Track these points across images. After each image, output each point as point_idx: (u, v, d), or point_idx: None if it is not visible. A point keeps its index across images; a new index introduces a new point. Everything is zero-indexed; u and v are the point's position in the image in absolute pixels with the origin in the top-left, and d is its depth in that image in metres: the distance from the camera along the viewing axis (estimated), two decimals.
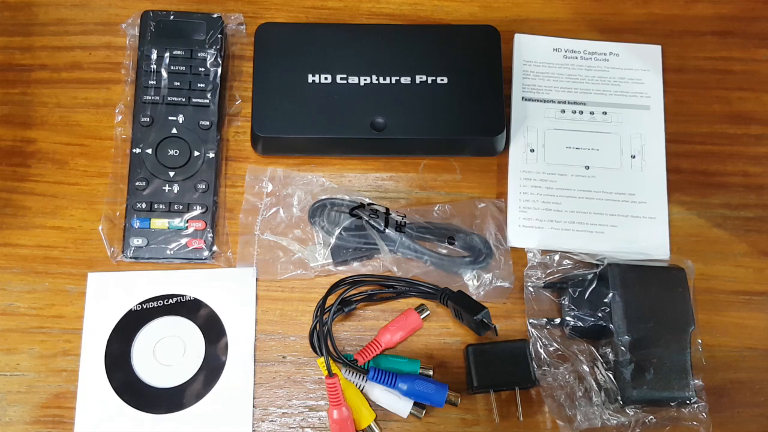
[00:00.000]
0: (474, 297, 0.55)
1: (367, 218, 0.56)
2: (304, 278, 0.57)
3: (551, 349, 0.55)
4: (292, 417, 0.54)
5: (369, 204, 0.57)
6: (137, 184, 0.57)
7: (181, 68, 0.58)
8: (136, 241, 0.56)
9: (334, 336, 0.55)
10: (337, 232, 0.56)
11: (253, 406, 0.54)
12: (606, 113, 0.61)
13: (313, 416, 0.54)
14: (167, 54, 0.59)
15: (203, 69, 0.59)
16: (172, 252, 0.56)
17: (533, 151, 0.60)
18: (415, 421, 0.54)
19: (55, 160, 0.59)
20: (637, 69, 0.62)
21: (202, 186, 0.57)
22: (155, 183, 0.57)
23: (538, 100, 0.61)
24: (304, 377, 0.55)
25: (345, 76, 0.59)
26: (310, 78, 0.58)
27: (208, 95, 0.58)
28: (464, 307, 0.54)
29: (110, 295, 0.56)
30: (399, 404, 0.53)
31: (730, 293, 0.58)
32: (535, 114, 0.61)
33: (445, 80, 0.59)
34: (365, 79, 0.59)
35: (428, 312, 0.56)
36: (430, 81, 0.59)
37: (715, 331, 0.57)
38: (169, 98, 0.58)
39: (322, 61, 0.59)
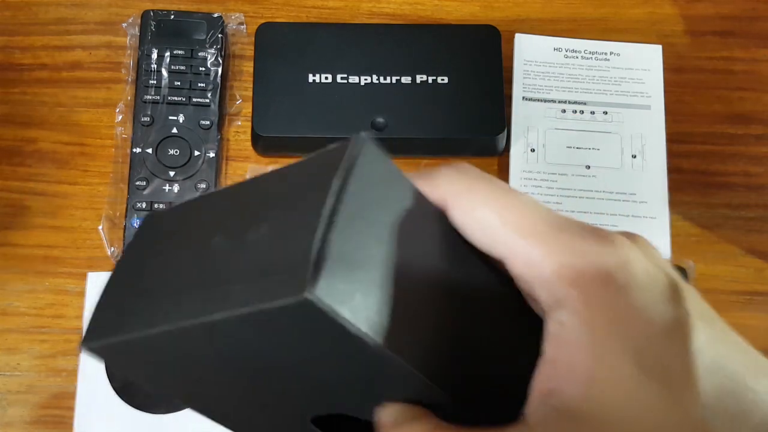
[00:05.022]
0: None
1: None
2: None
3: None
4: None
5: None
6: (137, 183, 0.57)
7: (182, 68, 0.58)
8: None
9: None
10: None
11: None
12: (607, 113, 0.61)
13: None
14: (168, 53, 0.58)
15: (204, 68, 0.59)
16: None
17: (534, 150, 0.60)
18: None
19: (55, 160, 0.59)
20: (638, 69, 0.62)
21: (203, 186, 0.57)
22: (155, 183, 0.57)
23: (538, 100, 0.61)
24: None
25: (345, 75, 0.58)
26: (311, 77, 0.58)
27: (209, 95, 0.58)
28: None
29: None
30: None
31: (731, 293, 0.58)
32: (536, 114, 0.61)
33: (446, 80, 0.59)
34: (366, 79, 0.59)
35: None
36: (430, 81, 0.59)
37: None
38: (169, 98, 0.58)
39: (322, 60, 0.59)
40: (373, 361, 0.20)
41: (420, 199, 0.22)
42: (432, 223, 0.22)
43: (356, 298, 0.19)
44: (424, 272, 0.21)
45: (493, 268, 0.23)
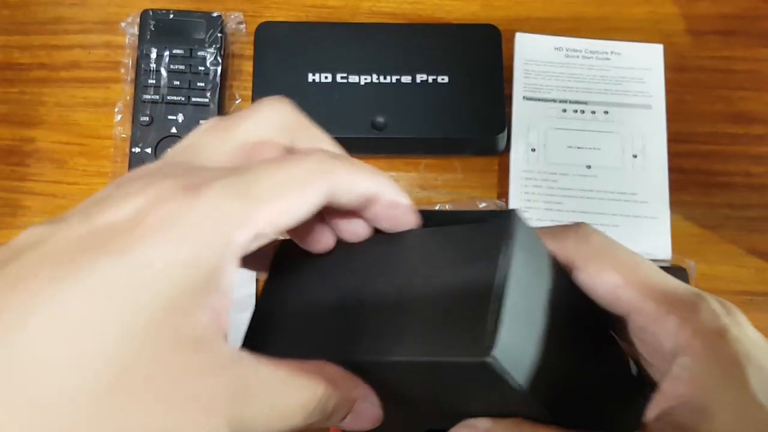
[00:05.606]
0: None
1: None
2: None
3: None
4: None
5: None
6: None
7: (181, 67, 0.58)
8: None
9: None
10: None
11: None
12: (607, 112, 0.61)
13: None
14: (167, 53, 0.58)
15: (203, 68, 0.58)
16: None
17: (534, 150, 0.60)
18: None
19: (54, 160, 0.59)
20: (639, 68, 0.62)
21: None
22: None
23: (539, 100, 0.61)
24: None
25: (345, 75, 0.58)
26: (310, 77, 0.58)
27: (208, 94, 0.58)
28: None
29: None
30: None
31: (732, 294, 0.58)
32: (537, 113, 0.60)
33: (446, 79, 0.59)
34: (366, 78, 0.58)
35: None
36: (430, 80, 0.59)
37: None
38: (168, 97, 0.58)
39: (322, 60, 0.59)
40: (515, 399, 0.23)
41: (553, 260, 0.26)
42: (561, 280, 0.26)
43: (520, 358, 0.22)
44: (560, 325, 0.25)
45: (601, 320, 0.27)
